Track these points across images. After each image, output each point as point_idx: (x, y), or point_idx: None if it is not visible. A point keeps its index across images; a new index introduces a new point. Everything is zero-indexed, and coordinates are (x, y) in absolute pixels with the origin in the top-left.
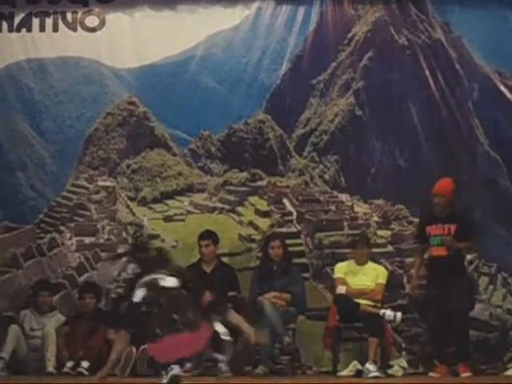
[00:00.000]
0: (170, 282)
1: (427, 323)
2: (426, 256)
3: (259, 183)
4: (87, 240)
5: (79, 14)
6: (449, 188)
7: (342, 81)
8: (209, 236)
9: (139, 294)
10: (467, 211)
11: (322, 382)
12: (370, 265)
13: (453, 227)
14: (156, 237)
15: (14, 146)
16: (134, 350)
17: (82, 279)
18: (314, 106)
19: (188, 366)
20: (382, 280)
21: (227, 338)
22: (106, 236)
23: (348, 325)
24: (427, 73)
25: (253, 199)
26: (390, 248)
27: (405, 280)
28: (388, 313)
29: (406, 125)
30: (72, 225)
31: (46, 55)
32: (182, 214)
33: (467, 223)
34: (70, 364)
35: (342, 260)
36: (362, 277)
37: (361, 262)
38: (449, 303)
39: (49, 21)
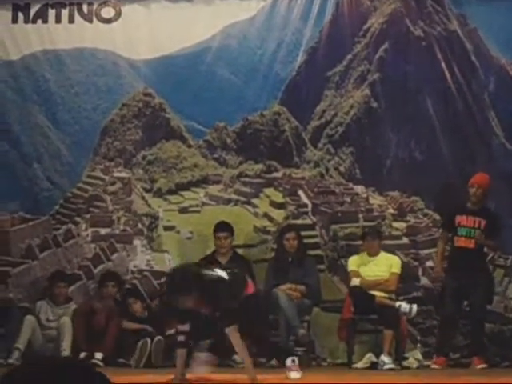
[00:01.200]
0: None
1: (443, 313)
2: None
3: (274, 175)
4: (103, 231)
5: (95, 6)
6: (487, 181)
7: (358, 72)
8: (226, 228)
9: None
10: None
11: (337, 373)
12: (383, 255)
13: (483, 222)
14: (171, 228)
15: (30, 138)
16: (149, 341)
17: (97, 270)
18: (330, 97)
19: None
20: (396, 269)
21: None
22: (121, 227)
23: (363, 317)
24: (443, 65)
25: (268, 191)
26: (405, 240)
27: (420, 272)
28: (404, 305)
29: (421, 117)
30: (88, 216)
31: (61, 46)
32: (197, 206)
33: (496, 221)
34: (83, 355)
35: (357, 252)
36: (375, 267)
37: (372, 253)
38: (469, 295)
39: (65, 12)
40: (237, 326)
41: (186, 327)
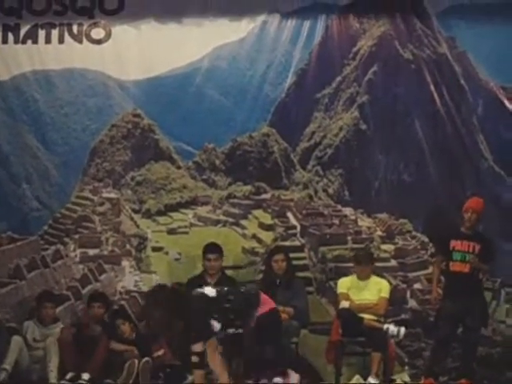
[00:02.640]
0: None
1: (436, 336)
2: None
3: (263, 196)
4: (91, 252)
5: (85, 26)
6: (481, 205)
7: (347, 95)
8: (216, 250)
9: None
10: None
11: None
12: (373, 279)
13: (477, 246)
14: (160, 249)
15: (19, 158)
16: (137, 361)
17: (85, 291)
18: (319, 119)
19: (190, 378)
20: (385, 294)
21: None
22: (109, 248)
23: (351, 339)
24: (432, 87)
25: (257, 212)
26: (393, 262)
27: (408, 295)
28: (391, 328)
29: (410, 139)
30: (76, 236)
31: (51, 67)
32: (185, 227)
33: (491, 245)
34: (69, 375)
35: (346, 274)
36: (365, 292)
37: (363, 277)
38: (464, 319)
39: (55, 32)
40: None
41: (198, 347)
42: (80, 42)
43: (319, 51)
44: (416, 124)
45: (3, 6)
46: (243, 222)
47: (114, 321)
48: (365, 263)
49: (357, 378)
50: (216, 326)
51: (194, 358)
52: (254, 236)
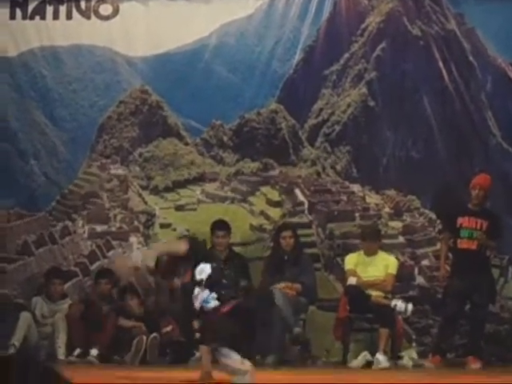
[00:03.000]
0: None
1: (444, 313)
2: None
3: (271, 173)
4: (99, 228)
5: (93, 2)
6: (488, 182)
7: (355, 71)
8: (224, 227)
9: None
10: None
11: (332, 372)
12: (380, 255)
13: (485, 223)
14: (168, 225)
15: (27, 134)
16: (145, 338)
17: (93, 267)
18: (327, 96)
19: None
20: (393, 270)
21: None
22: (117, 224)
23: (359, 316)
24: (440, 64)
25: (264, 189)
26: (401, 239)
27: (416, 271)
28: (399, 304)
29: (418, 116)
30: (84, 213)
31: (59, 43)
32: (193, 203)
33: (498, 222)
34: (77, 352)
35: (353, 250)
36: (372, 268)
37: (370, 253)
38: (472, 296)
39: (62, 8)
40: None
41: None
42: (88, 17)
43: (327, 28)
44: (424, 100)
45: None
46: (251, 199)
47: (122, 296)
48: (371, 239)
49: (364, 354)
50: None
51: (197, 335)
52: (261, 212)
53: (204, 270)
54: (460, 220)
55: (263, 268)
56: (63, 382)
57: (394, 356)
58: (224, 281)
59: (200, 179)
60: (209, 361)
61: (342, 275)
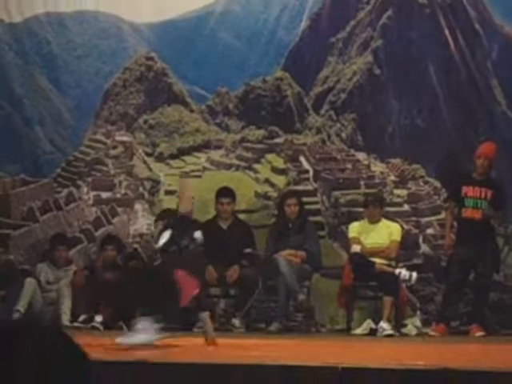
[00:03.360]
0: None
1: (448, 282)
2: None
3: (276, 141)
4: (104, 195)
5: None
6: (493, 151)
7: (361, 39)
8: (229, 194)
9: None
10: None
11: (336, 339)
12: (384, 222)
13: (489, 192)
14: (172, 192)
15: (32, 100)
16: None
17: (98, 233)
18: (333, 64)
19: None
20: (397, 237)
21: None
22: (122, 191)
23: (363, 283)
24: (446, 32)
25: (269, 156)
26: (406, 207)
27: (420, 240)
28: (403, 272)
29: (424, 84)
30: (89, 179)
31: (64, 9)
32: (198, 171)
33: (503, 191)
34: (82, 318)
35: (358, 219)
36: (376, 235)
37: (374, 221)
38: (476, 265)
39: None
40: None
41: (196, 291)
42: None
43: None
44: (430, 69)
45: None
46: (256, 166)
47: (127, 263)
48: (373, 205)
49: (368, 322)
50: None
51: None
52: (266, 180)
53: (164, 236)
54: (465, 189)
55: (267, 236)
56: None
57: (398, 324)
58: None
59: (205, 146)
60: (210, 326)
61: (346, 243)
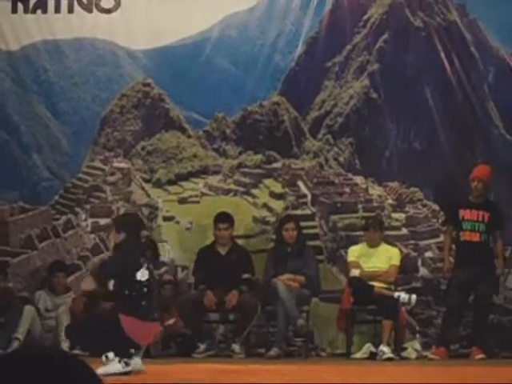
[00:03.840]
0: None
1: (448, 305)
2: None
3: (274, 165)
4: (102, 221)
5: None
6: (488, 173)
7: (357, 63)
8: (227, 219)
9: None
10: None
11: (336, 364)
12: (383, 247)
13: (487, 215)
14: (171, 218)
15: (29, 128)
16: None
17: (97, 260)
18: (329, 88)
19: (202, 347)
20: (396, 261)
21: None
22: None
23: (362, 307)
24: (442, 55)
25: (267, 181)
26: (404, 231)
27: (419, 263)
28: (402, 295)
29: (421, 107)
30: (87, 206)
31: (61, 36)
32: (196, 196)
33: (500, 213)
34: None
35: (357, 243)
36: (375, 259)
37: (373, 245)
38: (475, 287)
39: (64, 2)
40: None
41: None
42: (90, 11)
43: (330, 19)
44: (426, 92)
45: None
46: (254, 191)
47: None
48: (373, 228)
49: (368, 346)
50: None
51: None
52: (264, 205)
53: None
54: (462, 212)
55: (266, 260)
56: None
57: (398, 348)
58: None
59: (203, 172)
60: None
61: (345, 267)
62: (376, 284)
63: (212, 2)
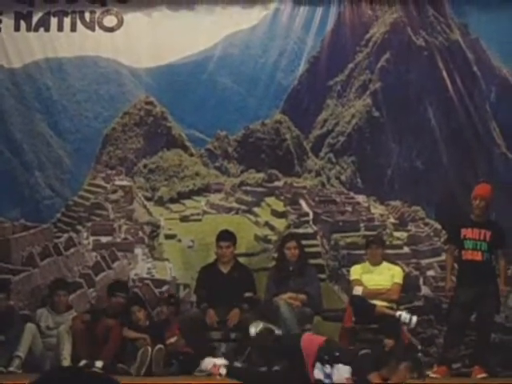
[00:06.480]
0: None
1: (450, 324)
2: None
3: (276, 184)
4: (104, 239)
5: (97, 14)
6: (489, 192)
7: (359, 82)
8: (229, 237)
9: None
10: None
11: None
12: (385, 265)
13: (488, 233)
14: (173, 236)
15: (31, 146)
16: (150, 349)
17: (98, 278)
18: (331, 107)
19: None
20: (399, 280)
21: None
22: (122, 235)
23: (364, 326)
24: (444, 74)
25: (269, 200)
26: (406, 249)
27: (421, 282)
28: (404, 315)
29: (423, 126)
30: (89, 224)
31: (63, 54)
32: (198, 214)
33: (502, 232)
34: (82, 363)
35: (359, 261)
36: (377, 277)
37: (375, 263)
38: (478, 307)
39: (67, 20)
40: None
41: None
42: (92, 29)
43: (332, 38)
44: (429, 111)
45: None
46: (256, 210)
47: (129, 308)
48: (375, 246)
49: None
50: None
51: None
52: (266, 223)
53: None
54: (464, 231)
55: (268, 279)
56: None
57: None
58: None
59: (205, 190)
60: None
61: (347, 285)
62: (379, 302)
63: (214, 20)
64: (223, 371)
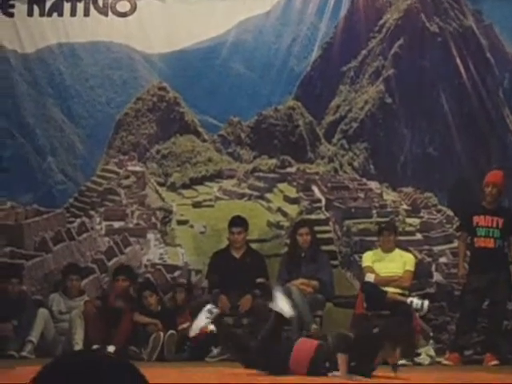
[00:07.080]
0: None
1: (462, 311)
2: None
3: (288, 170)
4: (116, 224)
5: None
6: (501, 179)
7: (373, 68)
8: (241, 223)
9: None
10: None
11: None
12: (397, 252)
13: (501, 220)
14: (185, 222)
15: (44, 131)
16: (162, 334)
17: (111, 263)
18: (344, 93)
19: (215, 351)
20: (410, 267)
21: None
22: (135, 221)
23: (375, 312)
24: (458, 61)
25: (282, 186)
26: (418, 236)
27: (433, 268)
28: (415, 301)
29: (436, 113)
30: (101, 209)
31: (76, 40)
32: (211, 200)
33: None
34: (94, 348)
35: (371, 248)
36: (390, 264)
37: (387, 250)
38: (490, 294)
39: (80, 5)
40: None
41: None
42: (105, 14)
43: (345, 24)
44: (442, 97)
45: None
46: (268, 196)
47: (141, 293)
48: (387, 233)
49: None
50: None
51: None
52: (279, 209)
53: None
54: (476, 219)
55: (280, 265)
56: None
57: (412, 353)
58: None
59: (217, 176)
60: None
61: (359, 272)
62: (391, 289)
63: (227, 6)
64: (211, 327)
